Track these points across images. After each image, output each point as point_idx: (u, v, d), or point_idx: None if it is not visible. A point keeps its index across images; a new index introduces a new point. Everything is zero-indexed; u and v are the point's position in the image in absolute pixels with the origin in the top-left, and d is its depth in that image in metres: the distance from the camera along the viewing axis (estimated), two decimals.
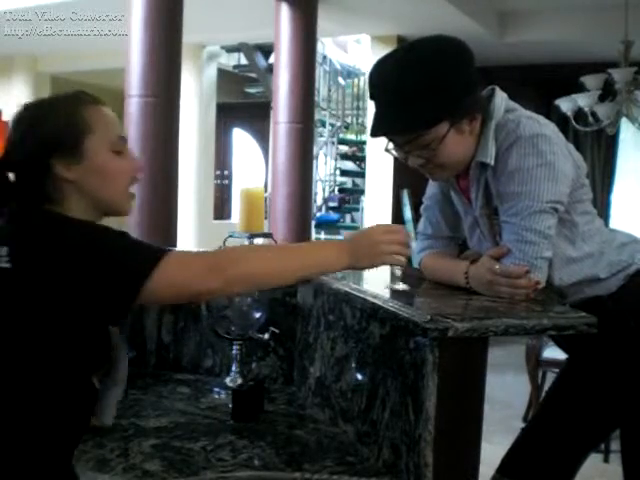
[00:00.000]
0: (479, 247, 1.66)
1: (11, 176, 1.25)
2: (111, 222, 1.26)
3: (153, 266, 1.11)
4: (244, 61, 8.35)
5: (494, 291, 1.46)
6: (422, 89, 1.46)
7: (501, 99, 1.57)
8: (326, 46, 8.21)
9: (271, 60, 6.70)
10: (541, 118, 1.55)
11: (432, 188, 1.76)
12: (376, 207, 6.69)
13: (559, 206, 1.49)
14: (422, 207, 1.79)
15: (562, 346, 1.78)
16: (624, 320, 1.59)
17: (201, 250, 1.20)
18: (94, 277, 1.10)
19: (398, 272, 1.41)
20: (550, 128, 1.53)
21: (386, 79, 1.51)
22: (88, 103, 1.29)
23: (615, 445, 3.31)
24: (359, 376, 1.55)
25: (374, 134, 1.54)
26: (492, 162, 1.53)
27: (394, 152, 1.58)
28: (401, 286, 1.40)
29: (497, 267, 1.45)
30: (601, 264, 1.60)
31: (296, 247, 1.31)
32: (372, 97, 1.56)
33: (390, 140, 1.56)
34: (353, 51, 9.37)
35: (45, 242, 1.13)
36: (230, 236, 2.13)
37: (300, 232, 5.08)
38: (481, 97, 1.56)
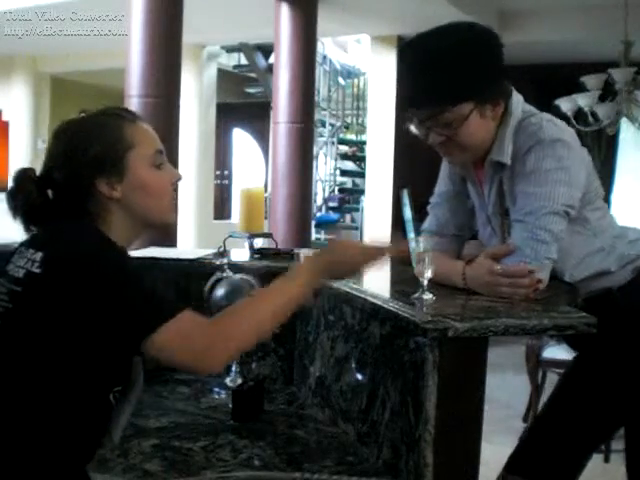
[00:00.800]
0: (489, 242, 1.67)
1: (50, 193, 1.26)
2: None
3: (150, 332, 1.11)
4: (244, 61, 8.35)
5: (494, 292, 1.46)
6: (456, 65, 1.49)
7: (517, 100, 1.60)
8: (326, 46, 8.21)
9: (271, 60, 6.70)
10: (561, 123, 1.58)
11: (443, 186, 1.76)
12: (376, 207, 6.70)
13: (571, 210, 1.51)
14: (430, 205, 1.79)
15: (569, 341, 1.79)
16: (633, 313, 1.61)
17: (200, 318, 1.20)
18: (102, 312, 1.11)
19: (425, 282, 1.41)
20: (569, 133, 1.56)
21: (423, 54, 1.53)
22: (129, 121, 1.30)
23: (616, 445, 3.31)
24: (359, 376, 1.55)
25: (403, 104, 1.56)
26: (509, 161, 1.55)
27: (414, 129, 1.57)
28: (428, 296, 1.40)
29: (498, 267, 1.45)
30: (612, 257, 1.62)
31: (267, 294, 1.27)
32: (405, 67, 1.57)
33: (412, 117, 1.56)
34: (353, 51, 9.37)
35: (73, 259, 1.13)
36: (230, 236, 2.13)
37: (300, 232, 5.09)
38: (507, 86, 1.58)
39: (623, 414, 1.66)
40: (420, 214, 1.78)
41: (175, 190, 1.34)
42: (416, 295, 1.41)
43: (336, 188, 8.60)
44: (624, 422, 1.69)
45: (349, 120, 8.92)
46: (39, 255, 1.15)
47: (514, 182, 1.55)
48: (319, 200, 8.21)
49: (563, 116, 4.99)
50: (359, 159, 8.63)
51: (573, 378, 1.73)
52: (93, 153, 1.24)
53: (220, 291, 1.83)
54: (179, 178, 1.35)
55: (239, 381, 1.84)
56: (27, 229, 1.27)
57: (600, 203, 1.64)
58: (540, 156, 1.50)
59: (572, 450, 1.67)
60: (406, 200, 1.52)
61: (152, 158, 1.29)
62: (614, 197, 7.26)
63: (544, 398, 4.00)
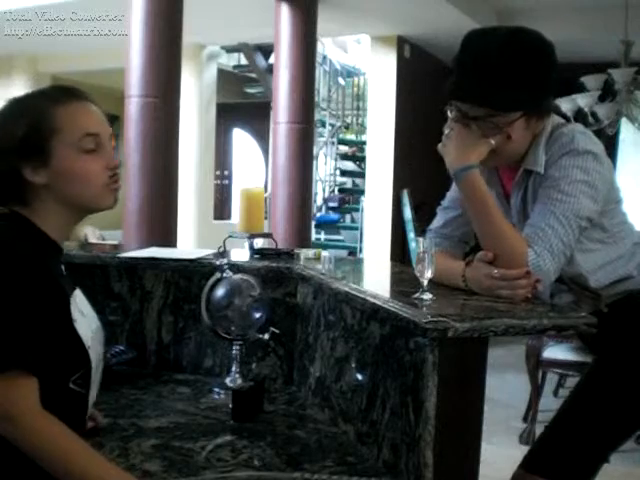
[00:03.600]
0: None
1: None
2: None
3: None
4: (244, 61, 8.35)
5: (494, 294, 1.46)
6: (520, 74, 1.49)
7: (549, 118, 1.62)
8: (326, 46, 8.21)
9: (271, 60, 6.70)
10: (592, 135, 1.60)
11: (457, 192, 1.75)
12: (376, 207, 6.70)
13: (588, 224, 1.54)
14: (440, 207, 1.79)
15: (589, 344, 1.80)
16: None
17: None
18: None
19: (425, 282, 1.41)
20: (600, 147, 1.57)
21: (489, 52, 1.50)
22: (58, 101, 1.26)
23: None
24: (359, 376, 1.55)
25: (458, 97, 1.54)
26: (542, 170, 1.57)
27: (453, 120, 1.57)
28: (428, 296, 1.40)
29: (495, 272, 1.46)
30: (632, 263, 1.66)
31: (93, 460, 1.20)
32: (461, 61, 1.55)
33: (457, 107, 1.55)
34: (353, 51, 9.37)
35: None
36: (230, 236, 2.13)
37: (300, 232, 5.09)
38: (553, 101, 1.61)
39: None
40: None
41: (112, 175, 1.28)
42: (416, 295, 1.41)
43: (336, 188, 8.60)
44: None
45: (349, 120, 8.92)
46: None
47: (541, 186, 1.56)
48: (319, 200, 8.22)
49: (562, 116, 5.00)
50: (359, 159, 8.63)
51: (594, 378, 1.72)
52: (16, 137, 1.21)
53: (220, 291, 1.83)
54: (116, 164, 1.29)
55: (239, 381, 1.85)
56: None
57: (618, 211, 1.67)
58: (571, 164, 1.52)
59: (591, 450, 1.66)
60: (406, 200, 1.52)
61: (80, 142, 1.24)
62: None
63: (544, 398, 4.03)
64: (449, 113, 1.58)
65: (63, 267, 1.32)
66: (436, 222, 1.78)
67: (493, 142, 1.53)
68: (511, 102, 1.51)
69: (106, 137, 1.29)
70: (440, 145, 1.58)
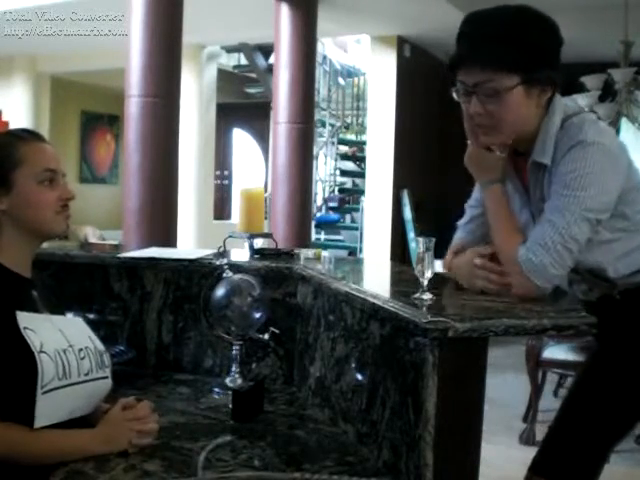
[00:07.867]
0: None
1: None
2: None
3: None
4: (244, 61, 8.36)
5: (471, 283, 1.50)
6: (513, 36, 1.50)
7: (559, 99, 1.60)
8: (326, 46, 8.22)
9: (271, 60, 6.71)
10: (603, 124, 1.58)
11: (479, 193, 1.74)
12: (376, 207, 6.70)
13: (601, 216, 1.51)
14: (467, 204, 1.80)
15: (595, 335, 1.80)
16: None
17: None
18: None
19: (425, 282, 1.41)
20: (609, 137, 1.55)
21: (487, 18, 1.55)
22: (22, 140, 1.45)
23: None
24: (359, 376, 1.55)
25: (455, 64, 1.56)
26: (549, 162, 1.55)
27: (457, 96, 1.58)
28: (428, 296, 1.41)
29: (477, 261, 1.50)
30: None
31: (51, 435, 1.36)
32: (461, 36, 1.57)
33: (459, 83, 1.56)
34: (353, 51, 9.37)
35: None
36: (230, 236, 2.13)
37: (300, 232, 5.09)
38: (558, 78, 1.58)
39: None
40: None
41: (64, 206, 1.47)
42: (416, 295, 1.41)
43: (336, 188, 8.60)
44: None
45: (349, 120, 8.93)
46: None
47: (552, 181, 1.55)
48: (319, 200, 8.22)
49: None
50: (359, 159, 8.63)
51: (594, 370, 1.71)
52: None
53: (220, 291, 1.83)
54: (69, 196, 1.48)
55: (239, 381, 1.85)
56: None
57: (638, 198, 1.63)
58: (577, 158, 1.50)
59: (593, 446, 1.65)
60: (406, 200, 1.54)
61: (39, 175, 1.43)
62: None
63: (544, 398, 4.03)
64: (455, 95, 1.58)
65: (35, 294, 1.45)
66: (464, 218, 1.79)
67: (503, 155, 1.58)
68: (505, 60, 1.49)
69: (60, 174, 1.48)
70: (465, 158, 1.63)
